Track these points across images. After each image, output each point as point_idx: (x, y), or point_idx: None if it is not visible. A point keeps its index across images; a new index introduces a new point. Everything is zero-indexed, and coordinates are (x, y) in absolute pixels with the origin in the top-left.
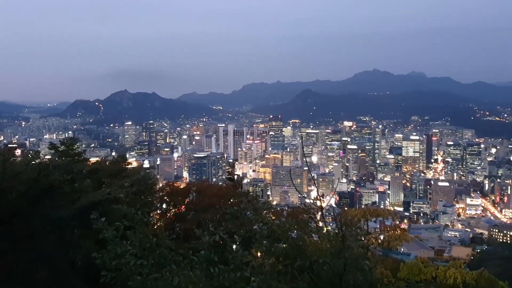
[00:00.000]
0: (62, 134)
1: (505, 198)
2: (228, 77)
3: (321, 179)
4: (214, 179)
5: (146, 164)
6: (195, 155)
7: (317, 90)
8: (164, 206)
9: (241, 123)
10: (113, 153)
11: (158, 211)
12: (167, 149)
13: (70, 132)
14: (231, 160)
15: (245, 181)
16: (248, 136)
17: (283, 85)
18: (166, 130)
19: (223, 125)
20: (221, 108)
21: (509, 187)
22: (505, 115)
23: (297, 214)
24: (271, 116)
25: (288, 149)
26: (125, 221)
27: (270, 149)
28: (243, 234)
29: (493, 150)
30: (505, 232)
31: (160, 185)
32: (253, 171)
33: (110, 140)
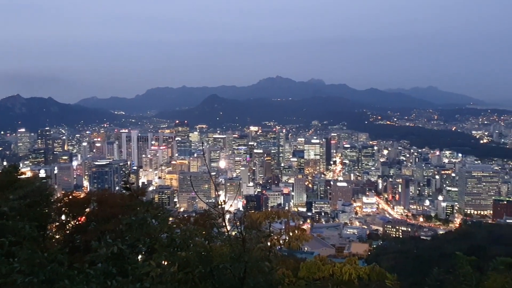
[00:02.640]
0: None
1: (397, 196)
2: (131, 81)
3: (228, 184)
4: (117, 188)
5: (42, 173)
6: (96, 163)
7: (223, 96)
8: (62, 217)
9: (145, 128)
10: (4, 163)
11: (56, 223)
12: (66, 157)
13: None
14: (135, 167)
15: (150, 188)
16: (153, 142)
17: (189, 90)
18: (64, 137)
19: (126, 130)
20: (123, 113)
21: (399, 185)
22: (395, 119)
23: (203, 220)
24: (177, 121)
25: (195, 155)
26: (11, 236)
27: (176, 155)
28: (147, 243)
29: (385, 152)
30: (397, 227)
31: (58, 195)
32: (159, 178)
33: (0, 148)
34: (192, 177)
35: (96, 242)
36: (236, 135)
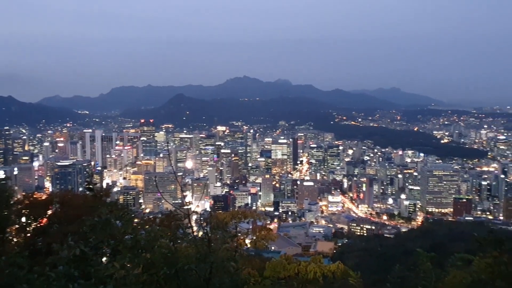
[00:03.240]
0: None
1: (361, 195)
2: (95, 80)
3: (195, 184)
4: (80, 189)
5: (1, 174)
6: (59, 164)
7: (190, 95)
8: (23, 220)
9: (109, 128)
10: None
11: (16, 226)
12: (26, 158)
13: None
14: (99, 168)
15: (115, 189)
16: (117, 142)
17: (155, 89)
18: (24, 137)
19: (90, 130)
20: (87, 112)
21: (364, 184)
22: (360, 120)
23: (168, 221)
24: (142, 121)
25: (161, 155)
26: None
27: (142, 155)
28: (112, 245)
29: (350, 151)
30: (361, 226)
31: (18, 197)
32: (124, 178)
33: None
34: (158, 177)
35: (58, 245)
36: (203, 135)
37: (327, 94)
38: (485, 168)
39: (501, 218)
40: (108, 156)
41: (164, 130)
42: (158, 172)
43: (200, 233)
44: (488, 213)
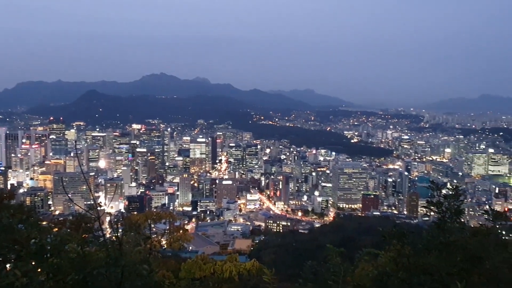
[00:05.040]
0: None
1: (278, 192)
2: None
3: (109, 184)
4: None
5: None
6: None
7: (103, 91)
8: None
9: (15, 125)
10: None
11: None
12: None
13: None
14: (2, 168)
15: (21, 190)
16: (24, 141)
17: (65, 85)
18: None
19: None
20: None
21: (280, 182)
22: (276, 120)
23: (77, 224)
24: (51, 118)
25: (71, 154)
26: None
27: (51, 154)
28: (16, 251)
29: (268, 150)
30: (278, 222)
31: None
32: (31, 179)
33: None
34: (69, 177)
35: None
36: (117, 133)
37: (245, 93)
38: (390, 166)
39: (405, 212)
40: (13, 155)
41: (75, 128)
42: (69, 172)
43: (114, 237)
44: (393, 208)
